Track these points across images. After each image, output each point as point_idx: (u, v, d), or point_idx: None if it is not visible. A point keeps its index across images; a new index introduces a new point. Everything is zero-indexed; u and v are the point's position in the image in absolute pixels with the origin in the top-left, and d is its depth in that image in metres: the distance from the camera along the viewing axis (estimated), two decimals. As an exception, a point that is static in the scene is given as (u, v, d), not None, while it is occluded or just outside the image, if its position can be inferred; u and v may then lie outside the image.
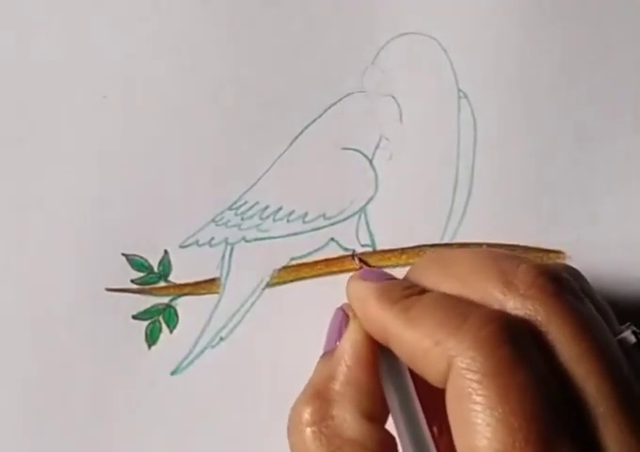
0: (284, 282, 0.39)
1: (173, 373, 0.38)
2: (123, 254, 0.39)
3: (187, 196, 0.39)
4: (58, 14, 0.40)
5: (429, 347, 0.27)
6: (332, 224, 0.39)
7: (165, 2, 0.40)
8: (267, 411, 0.38)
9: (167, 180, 0.39)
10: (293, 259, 0.39)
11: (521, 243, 0.39)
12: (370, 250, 0.39)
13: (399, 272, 0.38)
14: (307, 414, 0.30)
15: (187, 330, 0.39)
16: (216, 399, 0.38)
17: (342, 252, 0.39)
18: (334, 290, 0.38)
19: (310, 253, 0.39)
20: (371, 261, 0.39)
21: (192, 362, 0.38)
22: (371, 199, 0.39)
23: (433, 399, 0.28)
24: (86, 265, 0.39)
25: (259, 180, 0.39)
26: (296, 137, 0.39)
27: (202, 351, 0.38)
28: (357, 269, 0.38)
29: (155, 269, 0.39)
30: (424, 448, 0.28)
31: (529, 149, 0.39)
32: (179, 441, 0.38)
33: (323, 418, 0.30)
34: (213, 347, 0.39)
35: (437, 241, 0.39)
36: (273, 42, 0.40)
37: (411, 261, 0.39)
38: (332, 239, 0.39)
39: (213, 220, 0.39)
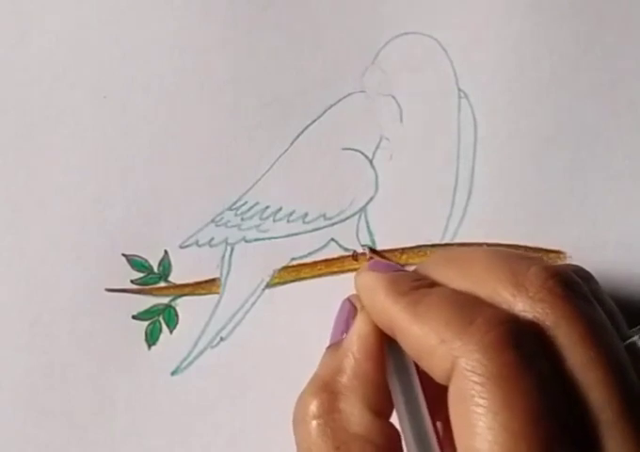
0: (284, 283, 0.39)
1: (173, 373, 0.38)
2: (123, 254, 0.39)
3: (187, 196, 0.39)
4: (58, 14, 0.40)
5: (435, 344, 0.27)
6: (332, 224, 0.39)
7: (165, 2, 0.40)
8: (267, 411, 0.38)
9: (167, 180, 0.39)
10: (293, 259, 0.39)
11: (521, 243, 0.39)
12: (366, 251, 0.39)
13: (399, 272, 0.37)
14: (313, 407, 0.30)
15: (187, 331, 0.39)
16: (216, 399, 0.38)
17: (342, 253, 0.39)
18: (334, 290, 0.38)
19: (310, 253, 0.39)
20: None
21: (192, 362, 0.38)
22: (371, 199, 0.39)
23: (439, 394, 0.28)
24: (86, 265, 0.39)
25: (259, 180, 0.39)
26: (297, 137, 0.39)
27: (202, 351, 0.38)
28: (366, 263, 0.38)
29: (155, 270, 0.39)
30: (427, 444, 0.28)
31: (529, 149, 0.39)
32: (179, 441, 0.38)
33: (329, 411, 0.30)
34: (213, 347, 0.38)
35: (437, 241, 0.39)
36: (273, 42, 0.40)
37: (411, 261, 0.39)
38: (332, 239, 0.39)
39: (213, 221, 0.39)
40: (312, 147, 0.39)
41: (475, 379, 0.25)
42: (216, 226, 0.39)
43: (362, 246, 0.38)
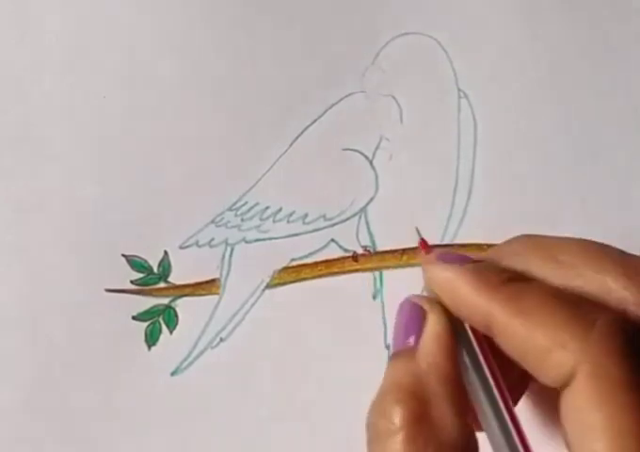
0: (284, 283, 0.39)
1: (173, 374, 0.38)
2: (123, 255, 0.39)
3: (187, 196, 0.39)
4: (58, 14, 0.40)
5: (550, 346, 0.26)
6: (333, 225, 0.39)
7: (165, 2, 0.40)
8: (267, 412, 0.38)
9: (167, 180, 0.39)
10: (293, 260, 0.39)
11: (521, 243, 0.39)
12: (370, 250, 0.39)
13: (399, 272, 0.38)
14: (400, 417, 0.28)
15: (187, 331, 0.39)
16: (216, 400, 0.38)
17: (342, 253, 0.39)
18: (335, 291, 0.38)
19: (310, 254, 0.39)
20: (371, 261, 0.39)
21: (192, 362, 0.38)
22: (371, 199, 0.39)
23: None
24: (86, 265, 0.39)
25: (259, 180, 0.39)
26: (297, 138, 0.39)
27: (202, 352, 0.38)
28: (420, 247, 0.33)
29: (155, 270, 0.39)
30: (513, 438, 0.28)
31: (529, 149, 0.39)
32: (179, 441, 0.38)
33: (420, 420, 0.28)
34: (213, 347, 0.39)
35: (437, 241, 0.39)
36: (273, 42, 0.40)
37: (411, 262, 0.39)
38: (333, 240, 0.39)
39: (213, 221, 0.39)
40: (312, 147, 0.39)
41: (602, 384, 0.25)
42: (217, 226, 0.39)
43: (417, 233, 0.35)
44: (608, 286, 0.27)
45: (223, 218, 0.39)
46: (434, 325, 0.29)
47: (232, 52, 0.40)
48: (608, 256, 0.28)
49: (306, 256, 0.39)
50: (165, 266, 0.39)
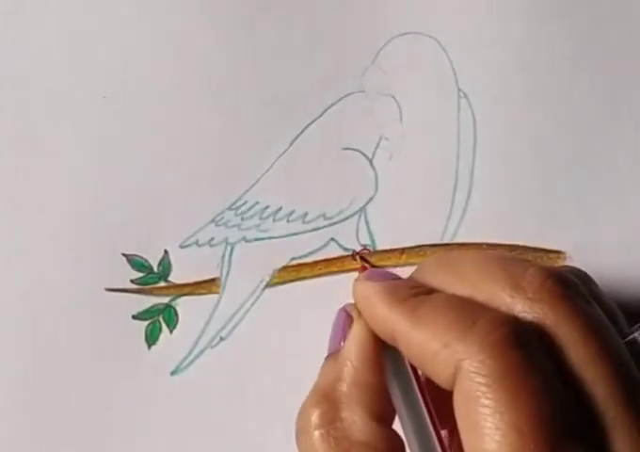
0: (284, 282, 0.39)
1: (173, 373, 0.38)
2: (123, 254, 0.39)
3: (187, 196, 0.39)
4: (58, 14, 0.40)
5: (437, 348, 0.27)
6: (332, 224, 0.39)
7: (165, 2, 0.40)
8: (267, 412, 0.38)
9: (167, 180, 0.39)
10: (293, 259, 0.39)
11: (521, 243, 0.39)
12: (370, 249, 0.39)
13: (399, 272, 0.38)
14: (315, 417, 0.30)
15: (187, 331, 0.39)
16: (216, 399, 0.38)
17: (342, 252, 0.39)
18: (334, 290, 0.38)
19: (310, 253, 0.39)
20: (371, 260, 0.39)
21: (192, 362, 0.38)
22: (371, 199, 0.39)
23: (443, 402, 0.28)
24: (86, 265, 0.39)
25: (259, 180, 0.39)
26: (297, 137, 0.39)
27: (202, 351, 0.38)
28: (358, 269, 0.38)
29: (155, 269, 0.39)
30: (430, 448, 0.28)
31: (529, 149, 0.39)
32: (179, 441, 0.38)
33: (331, 420, 0.30)
34: (213, 347, 0.38)
35: (437, 241, 0.39)
36: (273, 42, 0.40)
37: (411, 261, 0.39)
38: (332, 239, 0.39)
39: (213, 220, 0.39)
40: (312, 147, 0.39)
41: (480, 379, 0.25)
42: (216, 226, 0.39)
43: (352, 254, 0.38)
44: (496, 295, 0.28)
45: (223, 218, 0.39)
46: (356, 331, 0.31)
47: (232, 52, 0.40)
48: (499, 268, 0.29)
49: (306, 255, 0.39)
50: (165, 265, 0.39)
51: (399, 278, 0.33)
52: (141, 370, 0.38)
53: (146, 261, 0.39)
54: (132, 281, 0.39)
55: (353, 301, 0.33)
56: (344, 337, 0.32)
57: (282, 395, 0.38)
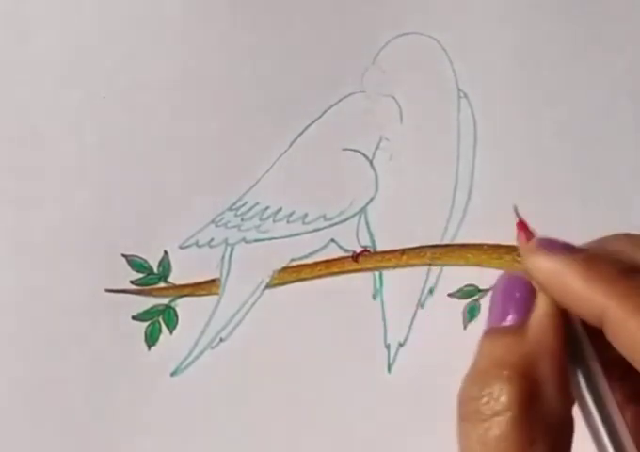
0: (284, 283, 0.39)
1: (173, 374, 0.38)
2: (123, 255, 0.39)
3: (187, 196, 0.39)
4: (58, 14, 0.40)
5: None
6: (332, 225, 0.39)
7: (165, 2, 0.40)
8: (267, 412, 0.38)
9: (167, 180, 0.39)
10: (293, 260, 0.39)
11: (521, 243, 0.39)
12: (370, 250, 0.39)
13: (399, 272, 0.38)
14: (508, 395, 0.26)
15: (187, 331, 0.39)
16: (216, 400, 0.38)
17: (342, 253, 0.39)
18: (334, 291, 0.38)
19: (310, 254, 0.39)
20: (371, 261, 0.39)
21: (192, 362, 0.38)
22: (371, 199, 0.39)
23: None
24: (85, 265, 0.39)
25: (259, 181, 0.39)
26: (297, 138, 0.39)
27: (202, 352, 0.38)
28: (518, 234, 0.31)
29: (155, 270, 0.39)
30: (617, 436, 0.27)
31: (529, 149, 0.39)
32: (179, 441, 0.38)
33: (529, 400, 0.26)
34: (213, 347, 0.39)
35: (437, 241, 0.39)
36: (273, 43, 0.40)
37: (412, 262, 0.39)
38: (332, 240, 0.39)
39: (213, 221, 0.39)
40: (312, 147, 0.39)
41: None
42: (216, 226, 0.39)
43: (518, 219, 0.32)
44: None
45: (223, 218, 0.39)
46: (547, 304, 0.27)
47: (231, 52, 0.40)
48: None
49: (306, 256, 0.39)
50: (165, 266, 0.39)
51: (584, 249, 0.28)
52: (141, 371, 0.38)
53: (146, 262, 0.39)
54: (132, 282, 0.39)
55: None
56: (519, 308, 0.28)
57: (282, 396, 0.38)
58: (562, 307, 0.27)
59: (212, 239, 0.39)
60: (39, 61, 0.40)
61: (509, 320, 0.28)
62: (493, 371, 0.26)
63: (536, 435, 0.25)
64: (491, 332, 0.28)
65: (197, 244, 0.39)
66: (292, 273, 0.39)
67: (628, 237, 0.30)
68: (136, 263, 0.39)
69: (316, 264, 0.39)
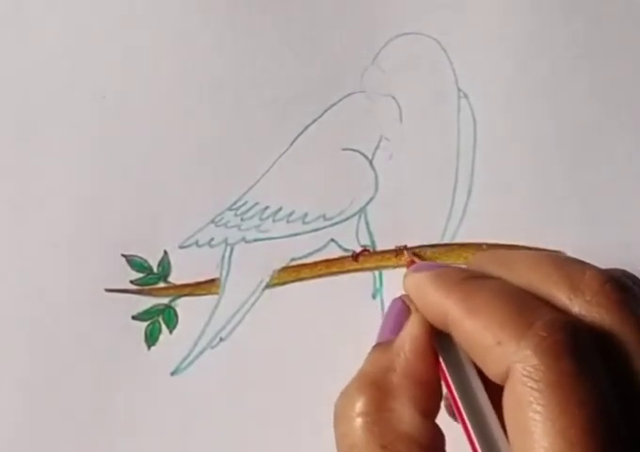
0: (284, 283, 0.39)
1: (173, 373, 0.38)
2: (123, 255, 0.39)
3: (187, 196, 0.39)
4: (58, 14, 0.40)
5: (490, 344, 0.26)
6: (332, 225, 0.39)
7: (165, 2, 0.40)
8: (267, 412, 0.38)
9: (167, 180, 0.39)
10: (293, 260, 0.39)
11: (521, 243, 0.39)
12: (370, 250, 0.39)
13: (399, 273, 0.38)
14: (361, 403, 0.29)
15: (187, 331, 0.39)
16: (216, 400, 0.38)
17: (342, 253, 0.39)
18: (334, 291, 0.38)
19: (310, 254, 0.39)
20: (371, 261, 0.39)
21: (192, 362, 0.38)
22: (371, 199, 0.39)
23: (494, 391, 0.28)
24: (85, 265, 0.39)
25: (259, 180, 0.39)
26: (296, 138, 0.39)
27: (202, 352, 0.38)
28: (407, 264, 0.37)
29: (155, 270, 0.39)
30: (492, 440, 0.28)
31: (529, 149, 0.39)
32: (179, 441, 0.38)
33: (379, 409, 0.29)
34: (212, 347, 0.38)
35: (437, 241, 0.39)
36: (273, 42, 0.40)
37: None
38: (332, 240, 0.39)
39: (212, 221, 0.39)
40: (312, 147, 0.39)
41: (533, 385, 0.25)
42: (216, 226, 0.39)
43: (400, 248, 0.38)
44: (553, 295, 0.28)
45: (223, 218, 0.39)
46: (413, 325, 0.30)
47: (231, 52, 0.40)
48: (558, 268, 0.28)
49: (305, 256, 0.39)
50: (164, 265, 0.39)
51: (449, 265, 0.32)
52: (141, 371, 0.38)
53: (145, 261, 0.39)
54: (131, 281, 0.39)
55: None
56: (397, 327, 0.31)
57: (282, 396, 0.38)
58: (432, 332, 0.30)
59: (212, 239, 0.39)
60: (39, 61, 0.40)
61: (384, 337, 0.32)
62: (355, 381, 0.30)
63: (386, 442, 0.28)
64: (373, 348, 0.32)
65: (197, 244, 0.39)
66: (292, 273, 0.39)
67: (487, 253, 0.33)
68: (135, 262, 0.39)
69: (316, 263, 0.39)
